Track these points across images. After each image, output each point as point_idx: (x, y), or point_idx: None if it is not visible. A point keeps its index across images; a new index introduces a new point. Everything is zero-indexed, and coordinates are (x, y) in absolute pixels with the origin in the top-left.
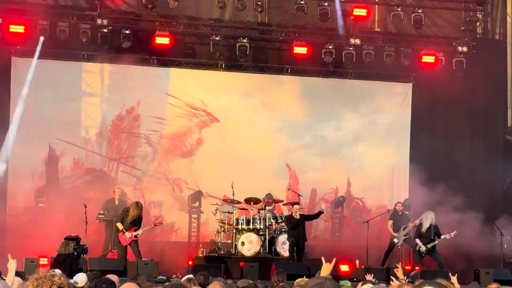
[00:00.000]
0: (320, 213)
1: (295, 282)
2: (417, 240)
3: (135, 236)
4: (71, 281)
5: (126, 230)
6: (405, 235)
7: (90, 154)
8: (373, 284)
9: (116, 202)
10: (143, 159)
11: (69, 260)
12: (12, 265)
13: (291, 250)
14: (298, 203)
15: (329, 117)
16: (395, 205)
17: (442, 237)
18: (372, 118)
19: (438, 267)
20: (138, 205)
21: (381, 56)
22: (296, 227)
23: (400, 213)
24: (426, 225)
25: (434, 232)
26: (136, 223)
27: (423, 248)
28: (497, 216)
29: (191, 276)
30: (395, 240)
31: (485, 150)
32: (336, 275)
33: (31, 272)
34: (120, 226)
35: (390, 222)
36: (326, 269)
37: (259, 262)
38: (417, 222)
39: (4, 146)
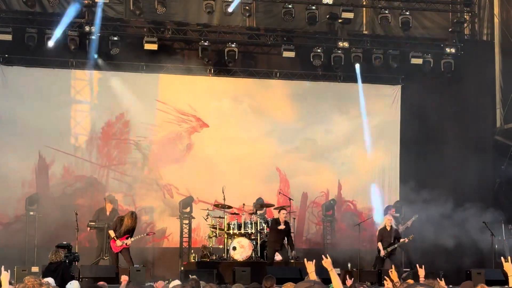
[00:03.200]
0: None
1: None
2: (379, 244)
3: (126, 243)
4: None
5: (118, 238)
6: (390, 251)
7: (80, 162)
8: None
9: (107, 213)
10: (133, 166)
11: (61, 268)
12: (5, 278)
13: (271, 252)
14: (284, 208)
15: (319, 120)
16: (386, 218)
17: (401, 240)
18: (362, 121)
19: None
20: (132, 215)
21: (369, 58)
22: (280, 231)
23: (389, 229)
24: (382, 226)
25: (394, 235)
26: (129, 232)
27: (382, 253)
28: (488, 216)
29: (177, 282)
30: (381, 254)
31: (475, 151)
32: (327, 278)
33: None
34: (112, 233)
35: (380, 237)
36: (309, 267)
37: (251, 266)
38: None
39: None
